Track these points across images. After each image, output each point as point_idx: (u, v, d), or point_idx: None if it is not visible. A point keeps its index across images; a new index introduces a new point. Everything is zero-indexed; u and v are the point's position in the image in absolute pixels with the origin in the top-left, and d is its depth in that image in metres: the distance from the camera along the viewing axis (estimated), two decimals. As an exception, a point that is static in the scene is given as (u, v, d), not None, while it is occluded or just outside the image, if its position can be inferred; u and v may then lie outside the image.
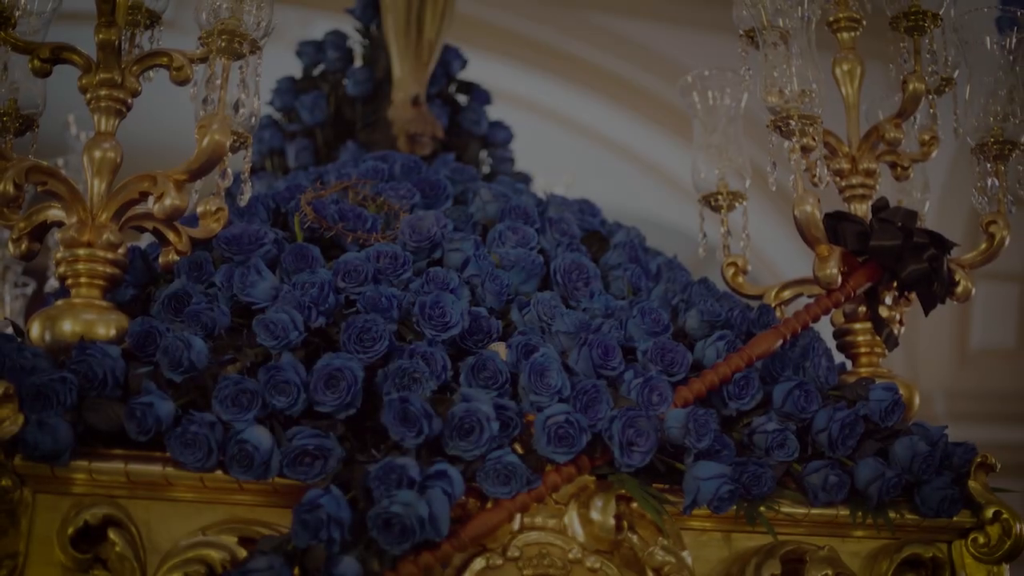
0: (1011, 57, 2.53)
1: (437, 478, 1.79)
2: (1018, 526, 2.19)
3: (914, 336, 7.34)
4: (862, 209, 2.50)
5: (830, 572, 2.07)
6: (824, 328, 2.42)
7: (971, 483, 2.20)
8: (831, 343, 2.47)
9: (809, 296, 2.55)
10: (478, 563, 1.91)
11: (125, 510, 1.82)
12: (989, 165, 2.51)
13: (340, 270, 2.12)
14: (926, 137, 2.64)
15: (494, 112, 3.80)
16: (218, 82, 2.02)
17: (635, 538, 1.99)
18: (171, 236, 2.09)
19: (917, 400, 2.46)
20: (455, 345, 2.08)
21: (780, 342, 2.20)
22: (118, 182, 2.07)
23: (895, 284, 2.39)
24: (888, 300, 2.47)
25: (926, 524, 2.18)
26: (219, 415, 1.84)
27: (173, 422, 1.83)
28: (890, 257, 2.33)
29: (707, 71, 2.77)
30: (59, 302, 2.02)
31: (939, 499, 2.16)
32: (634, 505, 1.98)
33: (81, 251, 2.02)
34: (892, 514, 2.15)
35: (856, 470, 2.13)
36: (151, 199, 2.04)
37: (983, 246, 2.54)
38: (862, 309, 2.45)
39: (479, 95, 3.76)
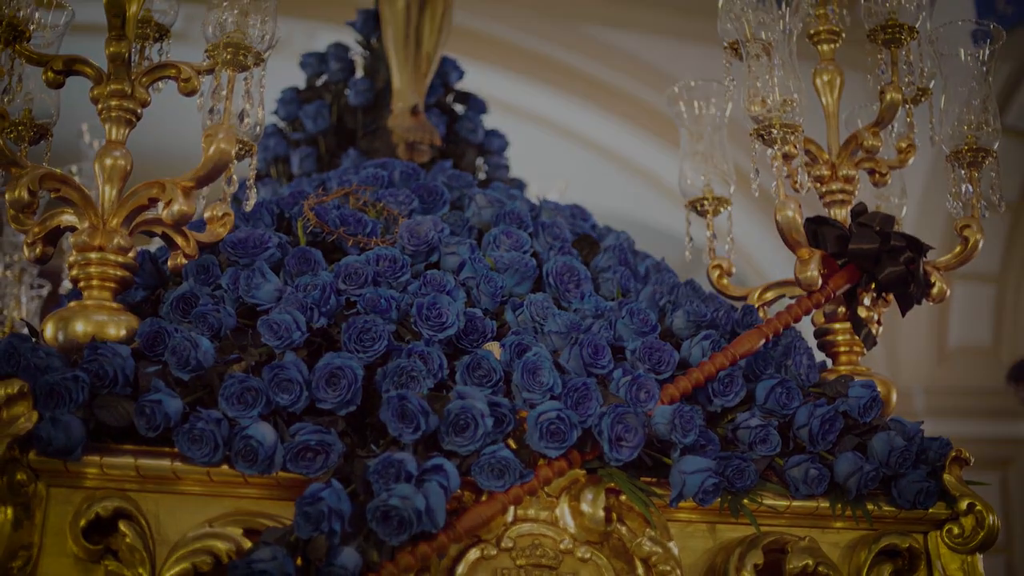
0: (984, 68, 2.53)
1: (434, 472, 1.80)
2: (991, 517, 2.19)
3: (895, 335, 7.36)
4: (842, 214, 2.51)
5: (811, 562, 2.07)
6: (805, 328, 2.42)
7: (946, 476, 2.21)
8: (812, 342, 2.48)
9: (791, 297, 2.56)
10: (473, 553, 1.92)
11: (135, 503, 1.82)
12: (963, 172, 2.51)
13: (341, 273, 2.13)
14: (903, 145, 2.64)
15: (490, 121, 3.80)
16: (224, 93, 2.02)
17: (624, 529, 1.99)
18: (179, 240, 2.09)
19: (895, 397, 2.46)
20: (451, 345, 2.09)
21: (763, 341, 2.20)
22: (128, 188, 2.07)
23: (873, 286, 2.39)
24: (866, 301, 2.47)
25: (903, 516, 2.19)
26: (225, 412, 1.84)
27: (181, 419, 1.83)
28: (868, 260, 2.33)
29: (693, 82, 2.77)
30: (72, 304, 2.02)
31: (915, 492, 2.17)
32: (623, 498, 1.99)
33: (93, 255, 2.02)
34: (870, 506, 2.15)
35: (836, 464, 2.13)
36: (160, 205, 2.04)
37: (958, 249, 2.54)
38: (842, 310, 2.46)
39: (475, 104, 3.77)
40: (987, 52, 2.54)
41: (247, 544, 1.79)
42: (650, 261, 2.64)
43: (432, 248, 2.32)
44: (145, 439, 1.82)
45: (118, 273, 2.04)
